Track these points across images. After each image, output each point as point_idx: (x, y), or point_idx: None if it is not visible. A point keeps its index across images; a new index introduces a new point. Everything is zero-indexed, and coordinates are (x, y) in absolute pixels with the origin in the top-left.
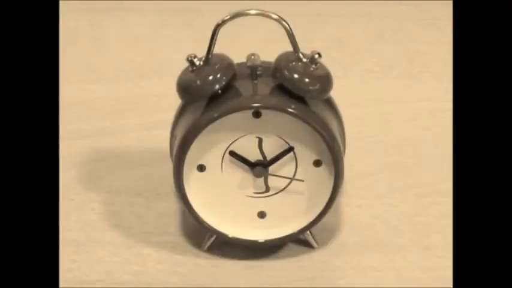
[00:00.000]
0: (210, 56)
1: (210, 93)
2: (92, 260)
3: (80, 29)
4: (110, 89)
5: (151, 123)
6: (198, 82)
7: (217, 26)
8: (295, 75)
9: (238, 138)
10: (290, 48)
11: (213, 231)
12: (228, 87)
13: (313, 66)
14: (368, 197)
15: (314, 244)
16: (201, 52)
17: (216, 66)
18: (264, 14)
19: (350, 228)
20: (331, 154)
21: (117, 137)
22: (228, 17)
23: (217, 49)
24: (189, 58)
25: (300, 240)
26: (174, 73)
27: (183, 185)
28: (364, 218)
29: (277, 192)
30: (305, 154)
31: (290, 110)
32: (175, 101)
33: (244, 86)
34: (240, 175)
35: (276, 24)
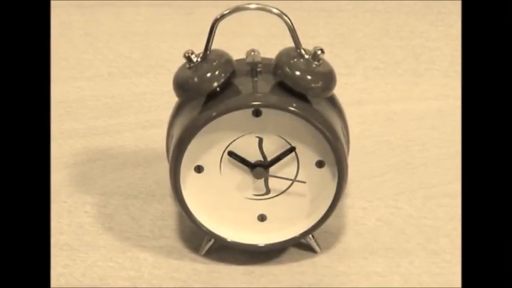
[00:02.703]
0: (208, 52)
1: (208, 91)
2: (85, 265)
3: (72, 24)
4: (104, 87)
5: (146, 122)
6: (196, 79)
7: (216, 21)
8: (297, 72)
9: (237, 138)
10: (291, 44)
11: (211, 234)
12: (226, 85)
13: (316, 63)
14: (373, 199)
15: (316, 248)
16: (199, 48)
17: (215, 63)
18: (264, 9)
19: (354, 231)
20: (335, 154)
21: (111, 137)
22: (227, 12)
23: (215, 45)
24: (186, 54)
25: (301, 244)
26: (171, 70)
27: (180, 187)
28: (369, 221)
29: (278, 194)
30: (307, 154)
31: (291, 108)
32: (171, 99)
33: (243, 84)
34: (239, 176)
35: (277, 19)
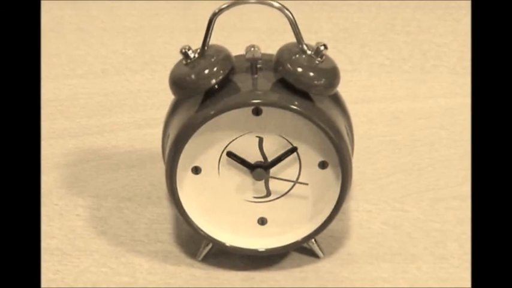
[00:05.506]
0: (206, 48)
1: (205, 88)
2: (77, 271)
3: (64, 19)
4: (97, 84)
5: (142, 121)
6: (193, 76)
7: (214, 15)
8: (299, 69)
9: (236, 138)
10: (293, 40)
11: (209, 239)
12: (225, 82)
13: (319, 59)
14: (378, 202)
15: (319, 253)
16: (196, 44)
17: (213, 59)
18: (264, 2)
19: (358, 235)
20: (338, 155)
21: (104, 137)
22: (225, 5)
23: (213, 40)
24: (183, 50)
25: (304, 249)
26: (167, 66)
27: (176, 189)
28: (374, 224)
29: (279, 197)
30: (309, 155)
31: (293, 106)
32: (168, 97)
33: (243, 81)
34: (238, 178)
35: (278, 13)
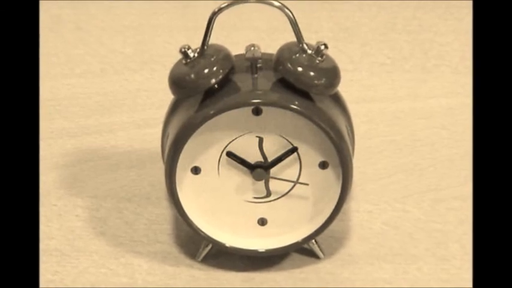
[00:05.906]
0: (205, 47)
1: (205, 87)
2: (76, 271)
3: (63, 18)
4: (96, 84)
5: (141, 121)
6: (193, 76)
7: (214, 14)
8: (299, 69)
9: (236, 138)
10: (293, 39)
11: (209, 239)
12: (225, 82)
13: (319, 58)
14: (379, 202)
15: (320, 254)
16: (196, 43)
17: (212, 59)
18: (265, 2)
19: (359, 236)
20: (339, 155)
21: (103, 137)
22: (225, 5)
23: (213, 40)
24: (183, 49)
25: (304, 250)
26: (166, 66)
27: (176, 189)
28: (375, 225)
29: (279, 197)
30: (310, 155)
31: (293, 106)
32: (167, 97)
33: (243, 81)
34: (238, 178)
35: (278, 12)
